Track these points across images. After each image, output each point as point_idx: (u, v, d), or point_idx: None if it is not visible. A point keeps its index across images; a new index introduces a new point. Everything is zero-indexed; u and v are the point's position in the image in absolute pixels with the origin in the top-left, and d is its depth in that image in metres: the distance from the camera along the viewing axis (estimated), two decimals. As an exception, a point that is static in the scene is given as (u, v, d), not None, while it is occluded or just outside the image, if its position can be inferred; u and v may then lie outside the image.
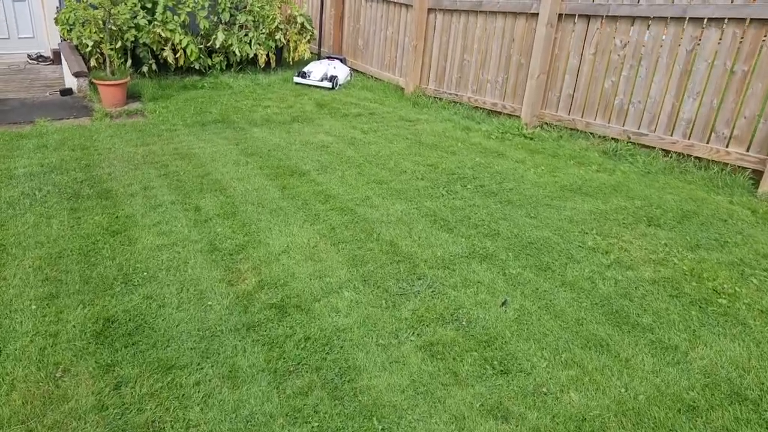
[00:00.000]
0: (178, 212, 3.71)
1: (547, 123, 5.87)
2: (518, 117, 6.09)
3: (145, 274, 3.00)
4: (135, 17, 6.77)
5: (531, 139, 5.59)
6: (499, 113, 6.36)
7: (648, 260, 3.30)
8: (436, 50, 7.07)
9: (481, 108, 6.57)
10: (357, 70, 8.71)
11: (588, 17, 5.35)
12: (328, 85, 7.69)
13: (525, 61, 5.97)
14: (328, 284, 2.97)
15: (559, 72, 5.69)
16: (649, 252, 3.40)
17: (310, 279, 3.02)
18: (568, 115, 5.67)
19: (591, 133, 5.48)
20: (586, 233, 3.61)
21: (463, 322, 2.69)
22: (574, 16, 5.47)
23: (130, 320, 2.62)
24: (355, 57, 8.82)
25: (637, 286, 3.05)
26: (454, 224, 3.68)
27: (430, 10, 7.01)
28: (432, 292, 2.94)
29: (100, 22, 6.48)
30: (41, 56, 8.37)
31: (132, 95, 6.85)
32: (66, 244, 3.24)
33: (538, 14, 5.70)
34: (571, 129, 5.64)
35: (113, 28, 6.61)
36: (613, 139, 5.31)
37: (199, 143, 5.14)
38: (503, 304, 2.83)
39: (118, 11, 6.45)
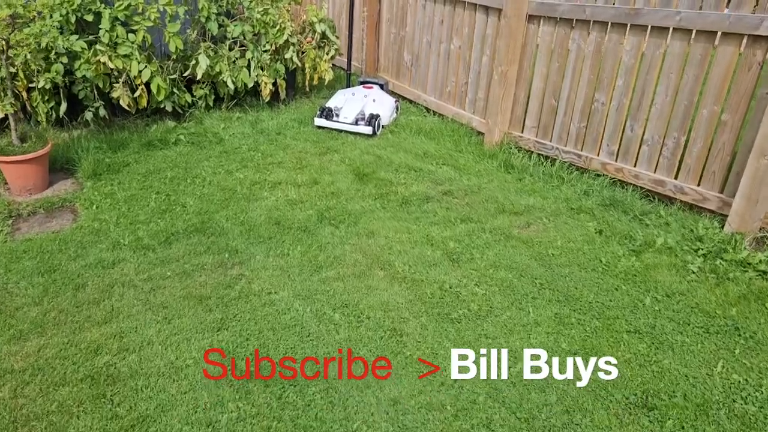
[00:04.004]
0: None
1: (779, 233, 3.27)
2: (713, 213, 3.50)
3: None
4: (58, 41, 4.16)
5: (769, 276, 3.01)
6: (670, 199, 3.76)
7: None
8: (539, 81, 4.44)
9: (629, 184, 3.97)
10: (401, 95, 6.08)
11: None
12: (367, 130, 5.08)
13: (733, 118, 3.35)
14: None
15: (818, 148, 3.07)
16: None
17: None
18: (836, 227, 3.07)
19: None
20: None
21: None
22: None
23: None
24: (399, 77, 6.17)
25: None
26: None
27: (531, 17, 4.35)
28: None
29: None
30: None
31: (64, 165, 4.32)
32: None
33: (774, 38, 3.08)
34: None
35: (31, 60, 4.05)
36: None
37: (146, 321, 2.60)
38: None
39: (26, 37, 3.87)
